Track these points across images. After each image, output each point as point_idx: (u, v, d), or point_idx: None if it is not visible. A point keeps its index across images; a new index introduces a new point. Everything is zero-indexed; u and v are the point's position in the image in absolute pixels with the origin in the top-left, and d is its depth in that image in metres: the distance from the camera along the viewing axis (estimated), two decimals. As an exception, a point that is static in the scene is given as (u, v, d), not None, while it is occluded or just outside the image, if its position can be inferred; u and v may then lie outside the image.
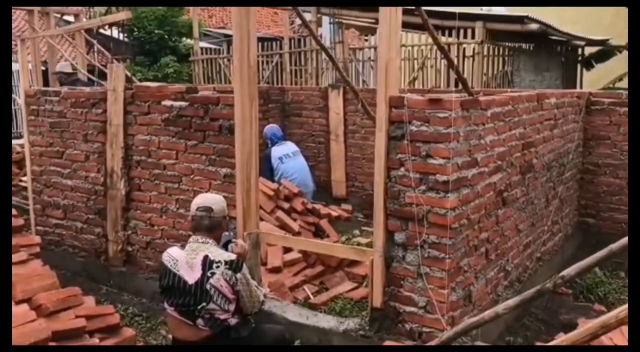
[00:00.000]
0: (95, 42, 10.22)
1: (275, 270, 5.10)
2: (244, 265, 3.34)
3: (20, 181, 7.45)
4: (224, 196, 4.32)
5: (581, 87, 9.34)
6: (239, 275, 3.23)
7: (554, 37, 8.48)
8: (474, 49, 7.48)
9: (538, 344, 3.21)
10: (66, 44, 12.33)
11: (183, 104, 4.48)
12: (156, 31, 17.08)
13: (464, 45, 7.74)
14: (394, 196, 3.54)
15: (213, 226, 3.34)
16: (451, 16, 7.01)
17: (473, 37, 7.36)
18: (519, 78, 8.02)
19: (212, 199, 3.45)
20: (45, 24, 9.34)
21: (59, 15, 10.55)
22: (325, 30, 10.23)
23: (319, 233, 6.24)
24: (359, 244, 6.62)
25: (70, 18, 11.65)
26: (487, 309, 3.80)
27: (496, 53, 8.07)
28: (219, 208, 3.39)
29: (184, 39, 18.43)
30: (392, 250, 3.60)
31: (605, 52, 11.29)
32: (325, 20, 12.30)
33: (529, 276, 4.65)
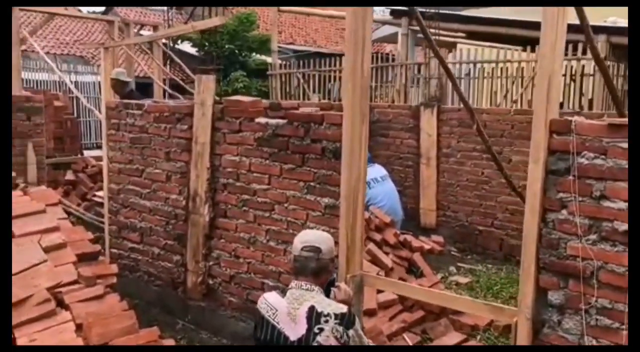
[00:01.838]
0: (171, 53, 10.02)
1: (370, 313, 4.46)
2: (357, 319, 2.74)
3: (95, 195, 7.15)
4: (324, 231, 3.76)
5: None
6: (351, 332, 2.65)
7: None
8: (594, 66, 6.64)
9: None
10: (141, 57, 12.30)
11: (280, 121, 3.92)
12: (227, 46, 17.00)
13: (583, 62, 6.92)
14: (550, 245, 2.82)
15: (320, 270, 2.77)
16: (569, 29, 6.21)
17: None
18: None
19: (320, 238, 2.88)
20: (125, 35, 9.20)
21: (135, 30, 10.45)
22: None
23: (412, 269, 5.56)
24: (457, 283, 5.90)
25: (147, 32, 11.57)
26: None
27: (616, 72, 7.18)
28: (327, 249, 2.82)
29: (254, 54, 18.32)
30: (544, 312, 2.87)
31: None
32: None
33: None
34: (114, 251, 5.17)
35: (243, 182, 4.17)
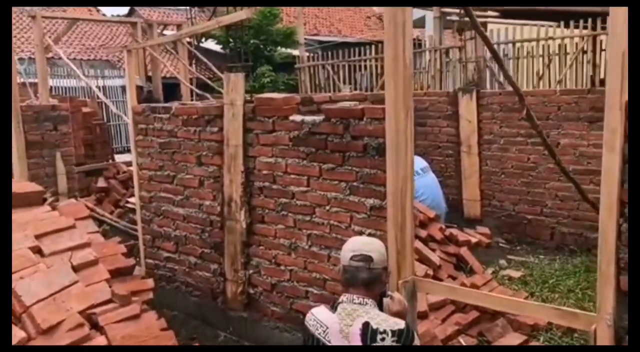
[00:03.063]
0: (196, 52, 9.83)
1: (421, 316, 4.18)
2: (415, 334, 2.46)
3: (127, 202, 7.02)
4: (371, 234, 3.49)
5: None
6: (410, 349, 2.36)
7: None
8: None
9: None
10: (166, 57, 12.17)
11: (317, 118, 3.64)
12: (252, 41, 16.77)
13: None
14: (633, 243, 2.47)
15: (372, 281, 2.49)
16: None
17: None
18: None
19: (370, 245, 2.59)
20: (149, 36, 9.05)
21: (159, 30, 10.30)
22: (430, 31, 9.22)
23: (460, 265, 5.26)
24: (509, 278, 5.55)
25: (171, 32, 11.41)
26: None
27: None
28: (379, 257, 2.53)
29: (279, 47, 18.07)
30: (627, 318, 2.53)
31: None
32: (429, 20, 11.27)
33: None
34: (149, 261, 4.99)
35: (280, 184, 3.92)
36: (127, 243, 5.74)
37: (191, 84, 8.93)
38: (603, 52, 7.01)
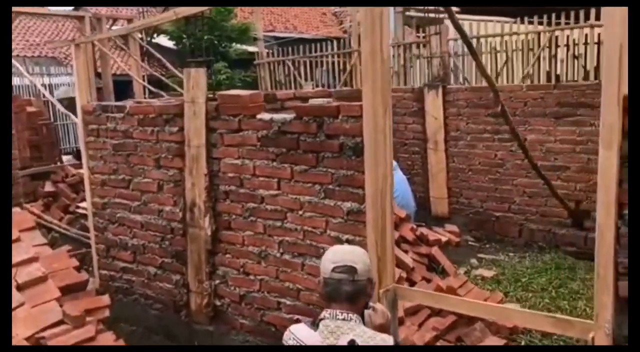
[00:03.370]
0: (149, 48, 9.40)
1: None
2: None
3: (78, 207, 6.56)
4: (348, 240, 3.26)
5: None
6: (399, 367, 2.14)
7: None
8: None
9: None
10: (116, 54, 11.62)
11: (287, 117, 3.39)
12: (206, 36, 16.27)
13: None
14: (632, 247, 2.33)
15: (356, 294, 2.26)
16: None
17: None
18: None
19: (354, 254, 2.35)
20: (98, 30, 8.55)
21: (108, 25, 9.79)
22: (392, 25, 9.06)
23: (432, 265, 5.11)
24: (482, 278, 5.44)
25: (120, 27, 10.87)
26: None
27: None
28: (363, 267, 2.30)
29: (234, 43, 17.61)
30: (626, 326, 2.40)
31: None
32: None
33: None
34: (103, 272, 4.61)
35: (248, 188, 3.64)
36: (78, 251, 5.35)
37: (143, 81, 8.50)
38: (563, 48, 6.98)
